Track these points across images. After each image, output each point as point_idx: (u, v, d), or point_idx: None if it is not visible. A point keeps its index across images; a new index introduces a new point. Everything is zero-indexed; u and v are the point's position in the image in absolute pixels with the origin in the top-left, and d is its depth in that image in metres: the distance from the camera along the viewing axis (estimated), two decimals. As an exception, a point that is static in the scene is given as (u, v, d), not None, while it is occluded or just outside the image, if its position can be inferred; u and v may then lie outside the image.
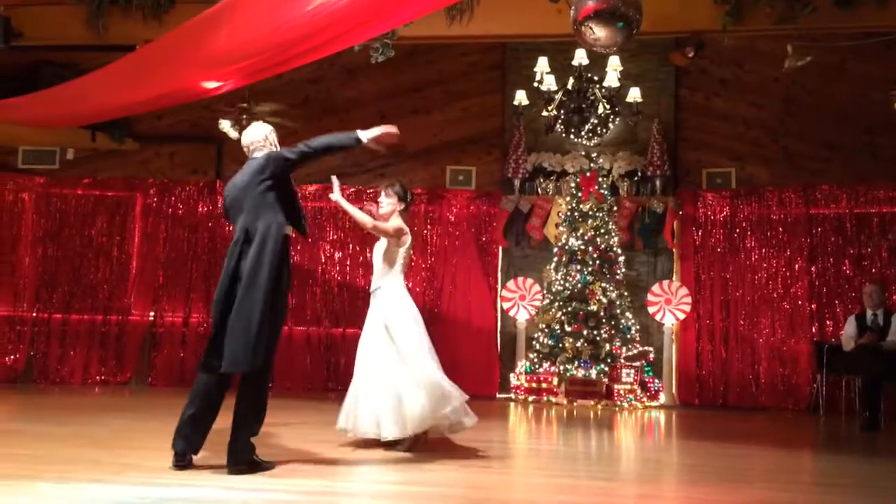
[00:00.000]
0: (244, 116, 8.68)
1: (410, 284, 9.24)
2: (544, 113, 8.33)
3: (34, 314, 9.24)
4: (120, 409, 7.34)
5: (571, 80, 8.29)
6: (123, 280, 9.43)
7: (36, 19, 7.11)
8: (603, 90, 8.14)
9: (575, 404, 8.22)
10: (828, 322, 8.68)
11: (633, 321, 8.53)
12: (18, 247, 9.36)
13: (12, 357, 9.15)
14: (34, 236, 9.42)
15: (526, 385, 8.43)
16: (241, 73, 5.72)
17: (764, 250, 8.97)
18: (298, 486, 4.00)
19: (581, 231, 8.62)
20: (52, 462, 4.36)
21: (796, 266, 8.84)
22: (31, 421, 6.17)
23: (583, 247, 8.57)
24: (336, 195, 4.97)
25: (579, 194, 8.74)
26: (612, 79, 7.99)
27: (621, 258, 8.71)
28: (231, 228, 4.46)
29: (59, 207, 9.47)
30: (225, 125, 8.69)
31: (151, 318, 9.36)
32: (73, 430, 5.68)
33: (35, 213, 9.46)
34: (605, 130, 8.49)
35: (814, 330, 8.68)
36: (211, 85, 6.17)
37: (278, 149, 4.50)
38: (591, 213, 8.67)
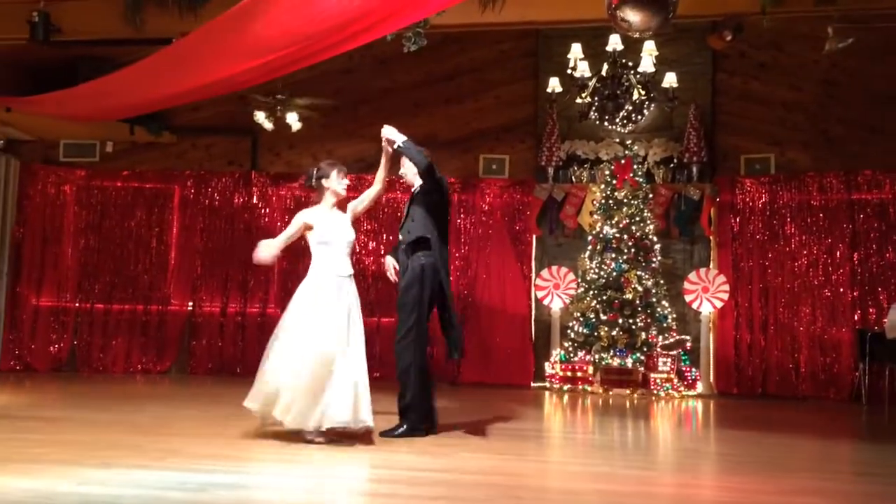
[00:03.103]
0: (278, 108, 8.75)
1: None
2: (578, 100, 8.23)
3: (77, 304, 9.45)
4: (161, 396, 7.47)
5: (606, 66, 8.18)
6: (163, 270, 9.58)
7: (73, 14, 7.22)
8: (638, 76, 8.01)
9: (610, 393, 8.18)
10: (871, 310, 8.50)
11: (669, 309, 8.45)
12: (62, 238, 9.57)
13: (57, 346, 9.38)
14: (76, 228, 9.62)
15: (561, 374, 8.40)
16: (275, 65, 5.76)
17: (804, 237, 8.80)
18: (337, 473, 4.05)
19: (616, 219, 8.55)
20: (97, 448, 4.46)
21: (838, 253, 8.67)
22: (76, 408, 6.32)
23: (618, 235, 8.50)
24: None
25: (614, 182, 8.66)
26: (647, 64, 7.87)
27: (657, 246, 8.62)
28: None
29: (100, 199, 9.65)
30: (260, 117, 8.76)
31: (190, 308, 9.50)
32: (116, 417, 5.81)
33: (77, 206, 9.66)
34: (639, 117, 8.36)
35: (856, 318, 8.51)
36: (245, 76, 6.23)
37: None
38: (625, 200, 8.59)
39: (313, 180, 5.11)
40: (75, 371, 9.25)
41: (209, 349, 9.42)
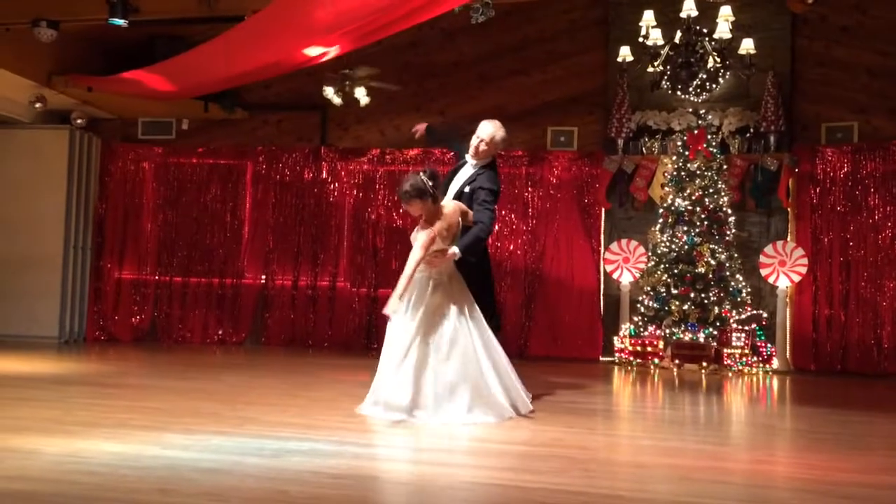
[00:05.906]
0: (346, 83, 8.81)
1: (512, 247, 9.31)
2: (650, 69, 8.03)
3: (157, 277, 9.82)
4: (237, 366, 7.71)
5: (679, 34, 7.94)
6: (237, 244, 9.83)
7: (150, -7, 7.39)
8: (713, 43, 7.75)
9: (682, 368, 8.05)
10: (960, 284, 8.10)
11: (743, 284, 8.23)
12: (141, 214, 9.93)
13: (138, 317, 9.78)
14: (154, 203, 9.97)
15: (630, 348, 8.31)
16: (344, 40, 5.81)
17: (889, 208, 8.41)
18: (406, 444, 4.11)
19: (688, 191, 8.34)
20: (178, 415, 4.65)
21: (925, 225, 8.27)
22: (157, 376, 6.59)
23: (690, 207, 8.30)
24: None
25: (686, 153, 8.44)
26: (723, 30, 7.60)
27: (731, 218, 8.39)
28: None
29: (177, 176, 9.95)
30: (329, 92, 8.85)
31: (263, 281, 9.74)
32: (195, 385, 6.04)
33: (155, 182, 10.00)
34: (714, 85, 8.08)
35: (944, 293, 8.13)
36: (315, 52, 6.31)
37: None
38: (698, 172, 8.36)
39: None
40: (156, 341, 9.63)
41: (281, 321, 9.64)
